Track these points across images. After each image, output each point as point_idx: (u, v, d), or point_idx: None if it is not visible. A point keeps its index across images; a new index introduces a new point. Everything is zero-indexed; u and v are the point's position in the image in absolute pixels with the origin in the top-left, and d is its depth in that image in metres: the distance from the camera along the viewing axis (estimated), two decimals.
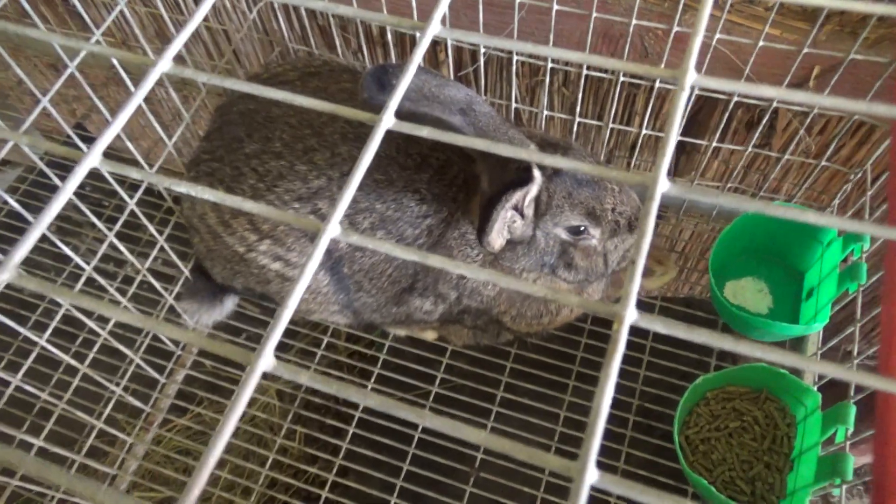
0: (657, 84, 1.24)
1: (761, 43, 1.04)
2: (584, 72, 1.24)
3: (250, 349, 1.30)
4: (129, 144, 1.04)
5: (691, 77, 0.30)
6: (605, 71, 1.38)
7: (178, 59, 1.42)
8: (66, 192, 0.28)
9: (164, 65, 0.33)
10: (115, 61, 0.91)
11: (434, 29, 0.33)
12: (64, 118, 1.10)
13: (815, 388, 1.04)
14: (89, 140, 1.15)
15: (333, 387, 0.25)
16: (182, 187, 0.29)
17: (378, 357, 1.37)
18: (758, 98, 1.31)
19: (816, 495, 0.96)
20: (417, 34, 0.31)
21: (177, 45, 0.32)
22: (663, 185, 0.27)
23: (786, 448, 1.06)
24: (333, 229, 0.28)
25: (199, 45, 1.70)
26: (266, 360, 0.25)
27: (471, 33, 0.34)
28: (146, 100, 1.16)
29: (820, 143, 1.44)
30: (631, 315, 0.25)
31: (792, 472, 1.04)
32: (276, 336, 0.26)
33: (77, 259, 1.03)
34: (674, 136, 0.28)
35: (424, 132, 0.30)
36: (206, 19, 1.52)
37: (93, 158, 0.30)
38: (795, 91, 0.30)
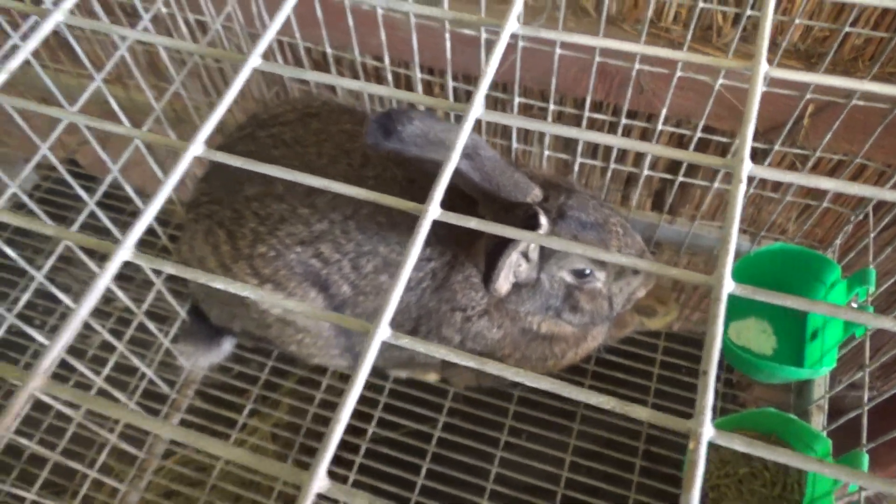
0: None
1: (765, 88, 1.05)
2: (586, 114, 1.24)
3: (241, 390, 1.26)
4: (132, 193, 1.02)
5: (747, 167, 0.29)
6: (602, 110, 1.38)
7: (175, 95, 1.41)
8: (101, 285, 0.27)
9: (197, 149, 0.31)
10: (115, 107, 0.89)
11: (476, 112, 0.32)
12: (55, 152, 1.07)
13: (825, 434, 1.03)
14: (83, 177, 1.13)
15: None
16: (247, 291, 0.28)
17: (378, 400, 1.35)
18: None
19: None
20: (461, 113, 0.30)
21: (206, 131, 0.31)
22: (728, 286, 0.26)
23: (797, 495, 1.04)
24: (384, 332, 0.27)
25: (195, 81, 1.69)
26: (320, 482, 0.24)
27: (508, 116, 0.33)
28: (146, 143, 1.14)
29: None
30: (708, 432, 0.24)
31: None
32: (328, 455, 0.24)
33: (66, 300, 1.01)
34: (735, 231, 0.27)
35: (472, 223, 0.29)
36: (202, 56, 1.51)
37: (125, 252, 0.28)
38: (852, 184, 0.29)
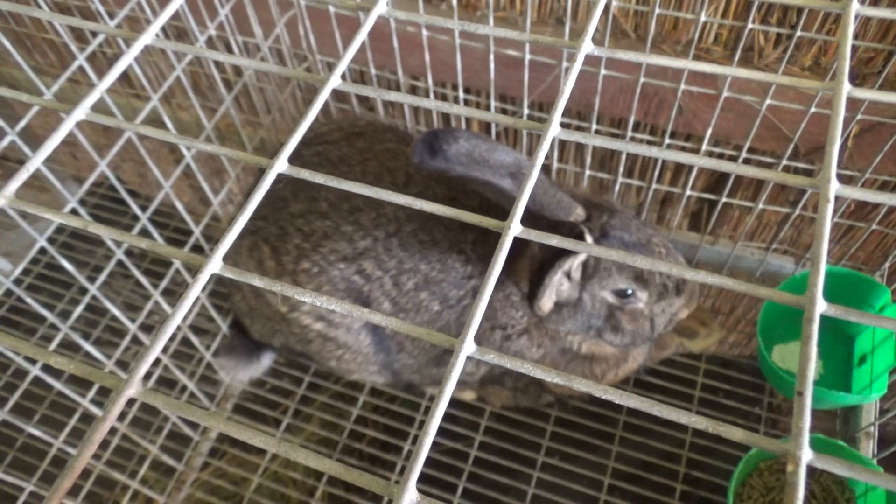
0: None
1: (813, 109, 1.04)
2: (629, 134, 1.24)
3: (275, 404, 1.27)
4: (188, 217, 1.04)
5: (834, 186, 0.29)
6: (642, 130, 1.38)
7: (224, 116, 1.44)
8: (191, 297, 0.27)
9: (282, 165, 0.32)
10: (168, 122, 0.91)
11: (553, 131, 0.32)
12: (95, 166, 1.10)
13: (876, 461, 1.00)
14: (129, 195, 1.15)
15: None
16: (306, 297, 0.28)
17: (414, 418, 1.35)
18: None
19: None
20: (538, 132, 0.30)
21: (289, 148, 0.32)
22: (821, 307, 0.26)
23: None
24: (469, 347, 0.27)
25: (237, 101, 1.73)
26: (410, 495, 0.24)
27: (585, 135, 0.33)
28: (191, 156, 1.17)
29: (857, 202, 1.43)
30: (806, 455, 0.23)
31: None
32: (417, 468, 0.24)
33: (118, 314, 1.03)
34: (824, 251, 0.27)
35: (554, 241, 0.29)
36: (249, 77, 1.54)
37: (214, 265, 0.29)
38: None
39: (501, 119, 0.33)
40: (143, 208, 1.14)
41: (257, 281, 0.29)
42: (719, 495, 1.21)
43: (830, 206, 0.28)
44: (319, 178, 0.32)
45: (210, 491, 1.42)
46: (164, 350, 1.20)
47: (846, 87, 0.29)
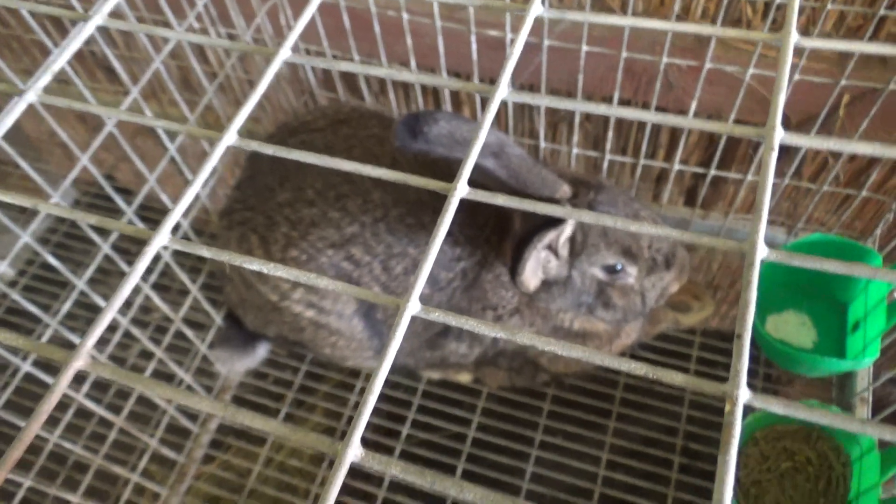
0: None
1: (797, 77, 1.03)
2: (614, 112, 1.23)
3: (277, 395, 1.28)
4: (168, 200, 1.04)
5: (779, 135, 0.29)
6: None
7: (208, 109, 1.44)
8: (136, 275, 0.28)
9: (230, 138, 0.32)
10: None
11: (502, 93, 0.32)
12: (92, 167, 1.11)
13: None
14: (120, 191, 1.16)
15: (427, 478, 0.24)
16: (270, 268, 0.28)
17: (411, 402, 1.35)
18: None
19: None
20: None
21: (238, 121, 0.32)
22: (762, 252, 0.26)
23: (842, 489, 1.02)
24: (413, 306, 0.27)
25: (226, 95, 1.73)
26: (353, 451, 0.24)
27: (535, 96, 0.33)
28: (179, 150, 1.17)
29: (850, 171, 1.42)
30: (743, 394, 0.23)
31: None
32: (362, 425, 0.25)
33: (117, 316, 1.03)
34: (767, 199, 0.27)
35: (499, 200, 0.29)
36: (233, 68, 1.54)
37: (161, 238, 0.29)
38: (891, 146, 0.28)
39: (451, 84, 0.33)
40: (140, 208, 1.14)
41: (205, 251, 0.30)
42: (714, 465, 1.21)
43: (774, 154, 0.28)
44: (269, 150, 0.32)
45: (217, 483, 1.44)
46: (158, 344, 1.20)
47: (793, 37, 0.29)
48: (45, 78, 0.36)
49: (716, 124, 0.29)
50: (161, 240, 0.29)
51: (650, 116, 0.31)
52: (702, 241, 0.26)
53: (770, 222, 1.53)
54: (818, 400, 1.06)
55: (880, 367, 1.10)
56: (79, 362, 0.27)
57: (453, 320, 0.27)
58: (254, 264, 0.29)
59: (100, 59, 1.86)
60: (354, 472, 1.35)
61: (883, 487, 0.93)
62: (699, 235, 0.27)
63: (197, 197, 1.22)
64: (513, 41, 1.16)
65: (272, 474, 1.39)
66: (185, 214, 1.21)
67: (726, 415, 0.23)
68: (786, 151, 1.50)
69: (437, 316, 0.27)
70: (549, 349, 0.26)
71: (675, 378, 0.25)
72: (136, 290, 1.04)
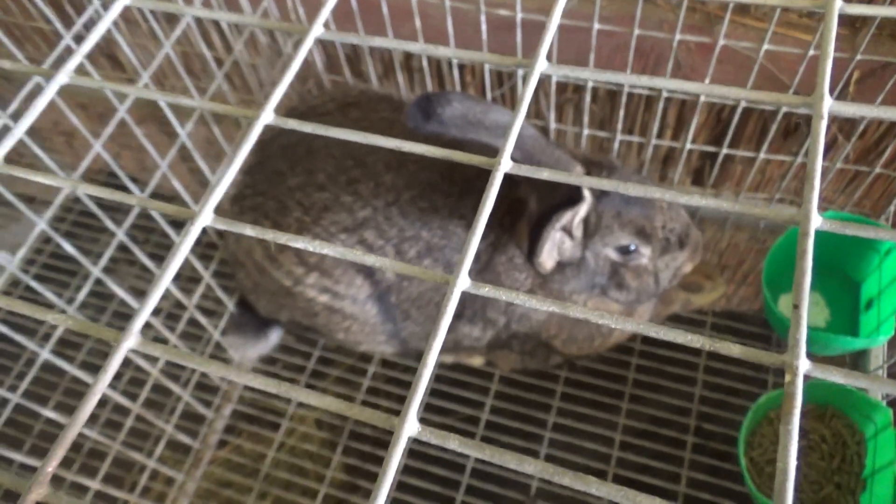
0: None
1: (811, 52, 1.02)
2: (626, 89, 1.22)
3: (288, 380, 1.28)
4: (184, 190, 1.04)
5: (827, 103, 0.28)
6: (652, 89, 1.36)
7: (214, 96, 1.43)
8: (183, 251, 0.27)
9: (267, 116, 0.32)
10: (164, 104, 0.91)
11: (541, 66, 0.32)
12: (96, 158, 1.10)
13: (885, 403, 1.00)
14: (130, 180, 1.16)
15: (486, 452, 0.24)
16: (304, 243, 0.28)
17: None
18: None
19: None
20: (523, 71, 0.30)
21: (275, 99, 0.32)
22: (816, 222, 0.26)
23: (856, 467, 1.02)
24: (463, 282, 0.27)
25: (232, 82, 1.72)
26: (411, 425, 0.24)
27: (578, 69, 0.33)
28: (182, 135, 1.17)
29: (859, 149, 1.41)
30: (804, 364, 0.23)
31: (865, 492, 1.00)
32: (417, 399, 0.25)
33: (123, 294, 1.03)
34: (818, 167, 0.27)
35: (545, 174, 0.29)
36: (240, 53, 1.53)
37: (205, 217, 0.29)
38: None
39: (489, 58, 0.33)
40: (149, 195, 1.14)
41: (249, 230, 0.29)
42: (731, 446, 1.21)
43: (824, 123, 0.28)
44: (307, 128, 0.32)
45: (231, 468, 1.45)
46: (172, 331, 1.21)
47: (838, 2, 0.28)
48: (74, 60, 0.36)
49: (765, 94, 0.28)
50: (205, 219, 0.29)
51: (667, 83, 0.31)
52: (753, 212, 0.26)
53: (779, 200, 1.53)
54: None
55: (894, 345, 1.10)
56: (130, 341, 0.27)
57: (503, 294, 0.27)
58: (298, 242, 0.29)
59: (101, 46, 1.85)
60: (351, 468, 1.35)
61: None
62: (750, 206, 0.27)
63: (206, 184, 1.21)
64: (523, 20, 1.15)
65: (285, 458, 1.40)
66: (196, 201, 1.20)
67: (787, 385, 0.23)
68: (795, 129, 1.49)
69: (487, 291, 0.27)
70: (603, 322, 0.26)
71: (732, 349, 0.25)
72: (149, 279, 1.04)
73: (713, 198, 0.27)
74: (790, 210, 0.26)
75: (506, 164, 0.30)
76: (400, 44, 0.34)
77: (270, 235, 0.29)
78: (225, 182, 0.30)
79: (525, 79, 0.32)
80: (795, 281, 0.25)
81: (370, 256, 0.28)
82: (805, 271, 0.25)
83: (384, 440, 1.43)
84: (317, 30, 0.35)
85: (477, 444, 0.24)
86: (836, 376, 0.24)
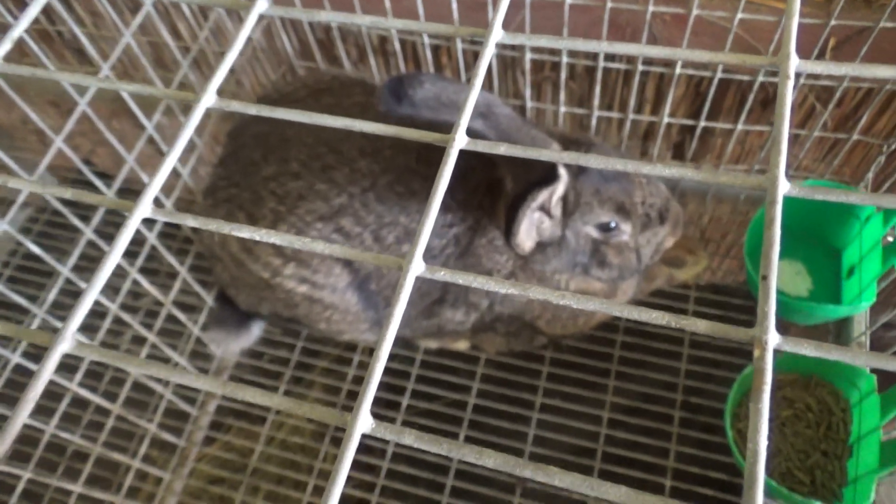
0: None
1: (803, 20, 1.01)
2: (601, 64, 1.21)
3: (275, 374, 1.27)
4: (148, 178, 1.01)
5: (794, 63, 0.27)
6: (625, 61, 1.34)
7: (183, 86, 1.40)
8: (118, 251, 0.26)
9: (209, 99, 0.30)
10: (126, 95, 0.88)
11: (496, 35, 0.30)
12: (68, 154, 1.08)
13: (869, 370, 1.00)
14: (101, 176, 1.13)
15: (444, 447, 0.22)
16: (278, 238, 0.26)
17: (409, 372, 1.34)
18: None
19: (883, 481, 0.93)
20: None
21: (217, 80, 0.30)
22: (784, 187, 0.24)
23: (842, 434, 1.02)
24: (417, 266, 0.25)
25: (199, 71, 1.68)
26: (364, 422, 0.23)
27: (534, 36, 0.31)
28: (154, 127, 1.14)
29: (837, 117, 1.41)
30: (773, 339, 0.22)
31: (851, 458, 1.00)
32: (370, 394, 0.23)
33: (105, 301, 1.01)
34: (785, 130, 0.26)
35: (501, 149, 0.27)
36: (207, 41, 1.50)
37: (143, 209, 0.27)
38: None
39: (440, 28, 0.31)
40: (121, 192, 1.11)
41: (191, 220, 0.28)
42: (718, 419, 1.22)
43: (790, 83, 0.26)
44: (252, 110, 0.30)
45: (220, 465, 1.43)
46: (150, 328, 1.18)
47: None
48: (3, 46, 0.34)
49: (732, 55, 0.27)
50: (143, 211, 0.28)
51: (643, 50, 0.29)
52: (720, 180, 0.25)
53: (759, 171, 1.52)
54: None
55: (877, 311, 1.10)
56: (64, 345, 0.25)
57: (460, 278, 0.26)
58: (243, 231, 0.27)
59: (68, 40, 1.80)
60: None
61: (883, 430, 0.94)
62: (715, 174, 0.26)
63: (178, 176, 1.19)
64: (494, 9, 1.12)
65: (274, 452, 1.39)
66: (168, 195, 1.18)
67: (755, 360, 0.22)
68: (773, 99, 1.48)
69: (443, 275, 0.26)
70: (563, 303, 0.25)
71: (698, 325, 0.23)
72: (123, 275, 1.01)
73: (678, 168, 0.26)
74: (755, 178, 0.25)
75: (461, 141, 0.28)
76: (347, 17, 0.32)
77: (213, 226, 0.27)
78: (161, 175, 0.29)
79: (483, 49, 0.30)
80: (763, 251, 0.23)
81: (319, 243, 0.27)
82: (773, 241, 0.23)
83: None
84: (261, 5, 0.33)
85: (433, 439, 0.23)
86: (807, 349, 0.23)
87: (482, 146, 0.28)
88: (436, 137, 0.29)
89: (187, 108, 1.65)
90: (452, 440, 0.22)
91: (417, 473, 1.24)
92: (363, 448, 1.34)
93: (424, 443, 0.22)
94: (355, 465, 1.28)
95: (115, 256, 0.26)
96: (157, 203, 1.28)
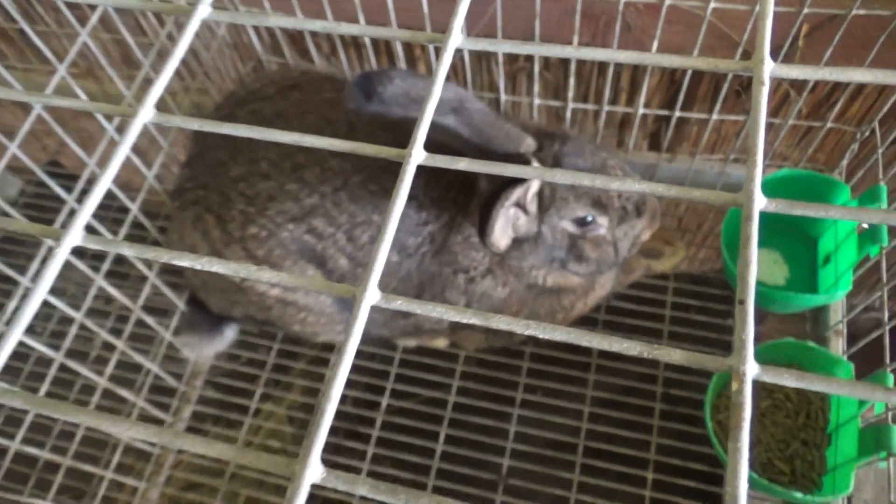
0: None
1: (758, 8, 1.00)
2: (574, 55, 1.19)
3: (251, 377, 1.24)
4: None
5: (769, 67, 0.25)
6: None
7: (147, 82, 1.36)
8: (44, 286, 0.23)
9: (147, 114, 0.28)
10: (88, 105, 0.85)
11: (455, 41, 0.28)
12: (36, 155, 1.05)
13: (846, 358, 1.01)
14: (66, 178, 1.09)
15: (401, 497, 0.20)
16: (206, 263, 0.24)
17: (388, 371, 1.33)
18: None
19: (861, 468, 0.93)
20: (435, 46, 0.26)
21: (156, 92, 0.27)
22: (760, 203, 0.23)
23: (821, 423, 1.03)
24: (372, 295, 0.24)
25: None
26: (313, 471, 0.21)
27: (495, 41, 0.29)
28: (119, 129, 1.10)
29: (811, 103, 1.41)
30: (752, 369, 0.21)
31: (831, 446, 1.00)
32: (319, 442, 0.21)
33: (55, 300, 0.98)
34: (761, 141, 0.24)
35: (461, 165, 0.26)
36: (170, 37, 1.45)
37: (74, 237, 0.25)
38: (886, 71, 0.25)
39: (398, 34, 0.29)
40: (84, 192, 1.07)
41: (126, 249, 0.25)
42: (699, 410, 1.22)
43: (765, 90, 0.25)
44: (194, 125, 0.28)
45: (196, 470, 1.40)
46: (119, 335, 1.15)
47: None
48: None
49: (702, 60, 0.25)
50: (73, 239, 0.25)
51: (613, 55, 0.27)
52: (693, 196, 0.23)
53: (734, 160, 1.52)
54: (792, 336, 1.06)
55: (853, 299, 1.10)
56: None
57: (418, 308, 0.24)
58: (183, 260, 0.25)
59: (28, 38, 1.74)
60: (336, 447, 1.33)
61: (862, 417, 0.94)
62: (689, 190, 0.24)
63: (143, 177, 1.15)
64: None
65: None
66: (133, 198, 1.14)
67: (734, 394, 0.21)
68: (748, 86, 1.48)
69: (400, 304, 0.24)
70: (530, 333, 0.23)
71: (673, 356, 0.22)
72: (84, 285, 0.98)
73: (648, 184, 0.24)
74: (730, 195, 0.23)
75: (418, 156, 0.26)
76: (294, 22, 0.30)
77: (151, 254, 0.25)
78: (92, 203, 0.26)
79: (438, 54, 0.28)
80: (739, 274, 0.22)
81: (266, 271, 0.25)
82: (749, 261, 0.22)
83: (356, 432, 1.40)
84: (203, 10, 0.30)
85: (390, 488, 0.21)
86: (789, 380, 0.21)
87: (440, 161, 0.26)
88: (391, 153, 0.27)
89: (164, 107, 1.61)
90: (410, 489, 0.20)
91: (398, 474, 1.23)
92: (344, 450, 1.32)
93: (380, 493, 0.21)
94: (341, 468, 1.26)
95: (40, 292, 0.24)
96: (123, 209, 1.24)
